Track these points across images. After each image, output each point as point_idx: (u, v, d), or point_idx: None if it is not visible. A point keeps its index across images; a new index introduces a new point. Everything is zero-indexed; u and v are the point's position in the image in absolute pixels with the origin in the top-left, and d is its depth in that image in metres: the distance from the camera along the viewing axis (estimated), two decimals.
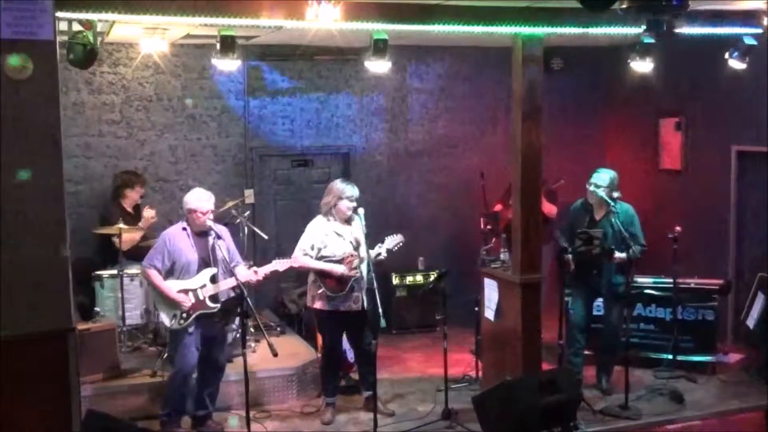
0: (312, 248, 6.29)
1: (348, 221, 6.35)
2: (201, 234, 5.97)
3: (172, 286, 5.88)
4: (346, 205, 6.29)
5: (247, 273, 6.08)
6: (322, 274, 6.29)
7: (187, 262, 5.92)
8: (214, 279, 5.98)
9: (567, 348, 6.94)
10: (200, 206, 5.90)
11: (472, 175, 8.82)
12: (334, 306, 6.31)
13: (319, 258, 6.28)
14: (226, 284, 5.98)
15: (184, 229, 5.96)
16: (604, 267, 6.79)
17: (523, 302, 6.44)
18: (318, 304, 6.37)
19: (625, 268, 6.72)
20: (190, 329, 5.89)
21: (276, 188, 9.23)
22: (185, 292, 5.89)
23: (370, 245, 6.24)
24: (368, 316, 6.28)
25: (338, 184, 6.39)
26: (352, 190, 6.32)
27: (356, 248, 6.27)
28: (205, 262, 5.98)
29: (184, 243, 5.93)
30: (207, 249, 5.98)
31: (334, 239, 6.30)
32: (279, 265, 6.20)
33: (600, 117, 10.06)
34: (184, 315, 5.87)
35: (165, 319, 5.93)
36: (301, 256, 6.30)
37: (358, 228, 6.32)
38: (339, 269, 6.22)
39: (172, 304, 5.86)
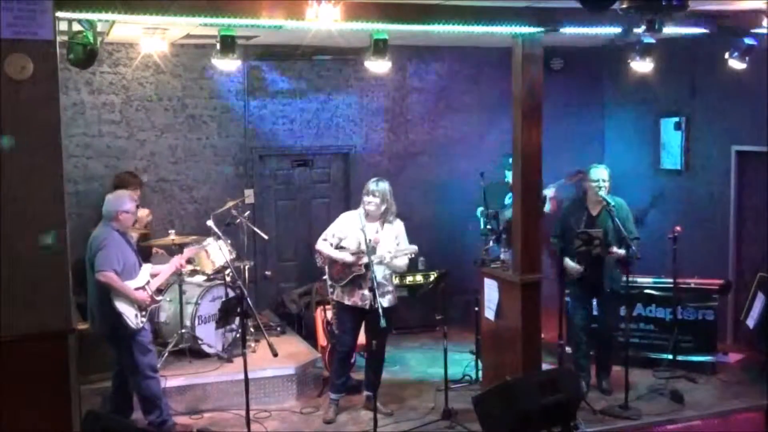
0: (333, 236, 6.44)
1: (382, 222, 6.39)
2: (123, 234, 6.06)
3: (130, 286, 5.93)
4: (365, 200, 6.37)
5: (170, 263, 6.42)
6: (332, 261, 6.40)
7: (133, 263, 6.00)
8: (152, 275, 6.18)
9: (573, 352, 6.98)
10: (132, 207, 6.07)
11: (472, 175, 8.81)
12: (340, 297, 6.42)
13: (337, 247, 6.38)
14: (161, 278, 6.22)
15: (117, 230, 5.96)
16: (605, 265, 6.78)
17: (523, 302, 6.44)
18: (334, 294, 6.53)
19: (625, 265, 6.70)
20: (147, 326, 6.01)
21: (276, 188, 9.22)
22: (137, 290, 5.95)
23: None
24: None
25: (369, 181, 6.46)
26: (372, 186, 6.37)
27: (369, 249, 6.18)
28: (138, 260, 6.10)
29: (123, 244, 5.98)
30: (132, 247, 6.13)
31: (353, 233, 6.36)
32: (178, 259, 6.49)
33: (600, 117, 10.05)
34: (143, 313, 5.92)
35: (130, 320, 5.82)
36: (320, 242, 6.46)
37: (392, 231, 6.39)
38: (349, 258, 6.28)
39: (132, 304, 5.86)
